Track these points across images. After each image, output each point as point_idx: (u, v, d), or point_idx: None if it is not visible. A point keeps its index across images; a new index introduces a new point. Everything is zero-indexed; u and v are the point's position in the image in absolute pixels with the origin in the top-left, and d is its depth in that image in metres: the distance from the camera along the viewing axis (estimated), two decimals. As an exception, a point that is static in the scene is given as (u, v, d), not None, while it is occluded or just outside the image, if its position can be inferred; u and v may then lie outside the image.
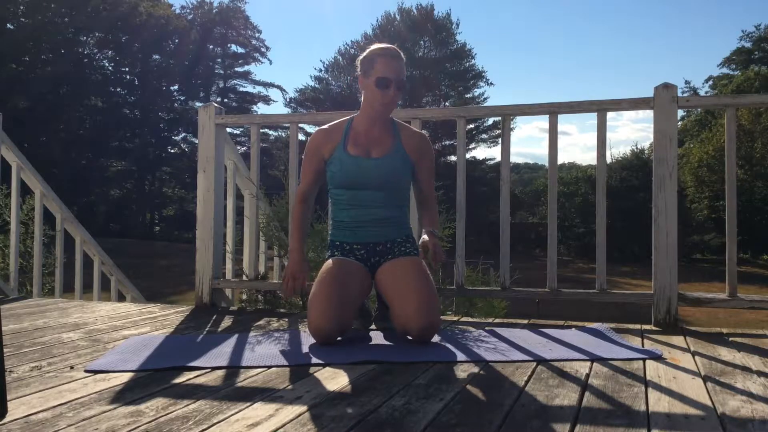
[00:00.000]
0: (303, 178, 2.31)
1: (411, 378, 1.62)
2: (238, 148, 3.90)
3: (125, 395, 1.47)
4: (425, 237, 2.12)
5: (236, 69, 39.56)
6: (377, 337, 2.18)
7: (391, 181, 2.25)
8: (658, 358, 1.86)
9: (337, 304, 2.02)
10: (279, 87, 48.03)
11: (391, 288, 2.13)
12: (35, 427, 1.25)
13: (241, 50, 39.62)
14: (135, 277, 4.96)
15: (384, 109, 2.22)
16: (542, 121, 34.43)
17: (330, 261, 2.20)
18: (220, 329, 2.40)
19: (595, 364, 1.79)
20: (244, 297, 3.31)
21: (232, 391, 1.52)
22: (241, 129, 26.81)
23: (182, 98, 37.15)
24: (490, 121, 33.53)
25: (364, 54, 2.23)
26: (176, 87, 36.82)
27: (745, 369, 1.75)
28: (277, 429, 1.23)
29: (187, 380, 1.62)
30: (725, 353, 1.95)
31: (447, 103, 35.73)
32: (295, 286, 2.13)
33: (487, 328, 2.36)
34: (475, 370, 1.72)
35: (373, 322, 2.40)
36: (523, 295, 2.71)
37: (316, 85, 37.66)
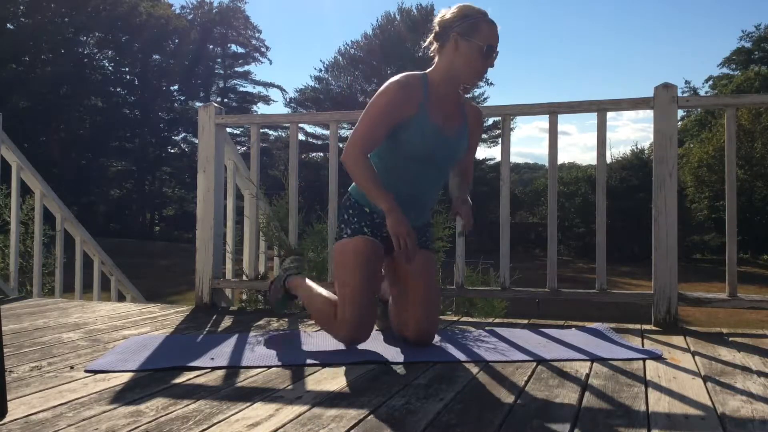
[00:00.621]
0: (369, 135, 1.94)
1: (411, 378, 1.62)
2: (238, 148, 3.91)
3: (125, 395, 1.47)
4: (459, 204, 2.00)
5: (236, 69, 39.56)
6: (377, 337, 2.18)
7: (455, 161, 2.10)
8: (658, 358, 1.86)
9: (372, 311, 1.98)
10: (279, 87, 48.11)
11: (400, 285, 2.05)
12: (35, 427, 1.25)
13: (241, 50, 39.64)
14: (135, 277, 4.96)
15: (477, 79, 2.02)
16: (542, 121, 34.44)
17: (360, 242, 1.99)
18: (220, 329, 2.40)
19: (595, 364, 1.79)
20: (244, 297, 3.31)
21: (232, 391, 1.52)
22: (241, 129, 26.80)
23: (182, 98, 37.17)
24: (490, 121, 33.49)
25: (459, 12, 1.97)
26: (176, 87, 36.83)
27: (745, 369, 1.75)
28: (277, 429, 1.24)
29: (187, 380, 1.62)
30: (725, 353, 1.95)
31: (447, 103, 35.62)
32: (413, 244, 1.87)
33: (487, 328, 2.36)
34: (475, 370, 1.72)
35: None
36: (523, 295, 2.71)
37: (316, 85, 37.67)
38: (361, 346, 2.02)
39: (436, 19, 2.03)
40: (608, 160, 2.90)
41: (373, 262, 1.99)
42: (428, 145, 1.98)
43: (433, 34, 2.03)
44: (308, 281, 2.22)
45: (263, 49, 39.90)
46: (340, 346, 2.03)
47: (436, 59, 2.03)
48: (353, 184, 2.08)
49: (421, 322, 2.00)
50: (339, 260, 2.02)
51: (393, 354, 1.91)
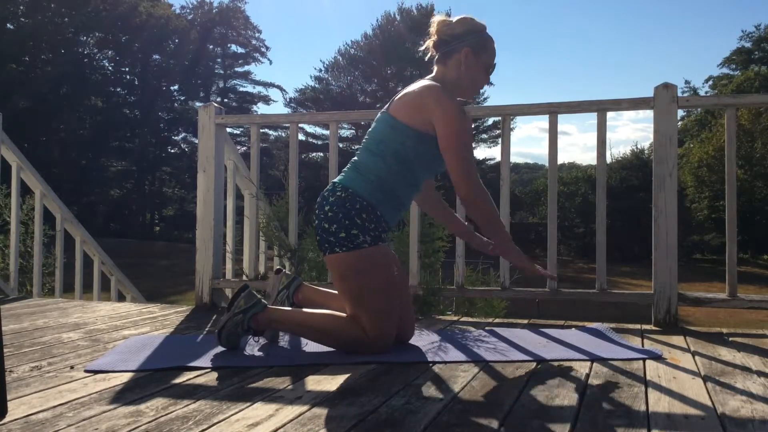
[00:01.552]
0: (474, 161, 1.94)
1: (411, 378, 1.62)
2: (238, 148, 3.90)
3: (125, 395, 1.47)
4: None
5: (236, 69, 39.57)
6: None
7: None
8: (658, 358, 1.86)
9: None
10: (279, 87, 48.14)
11: None
12: (35, 427, 1.25)
13: (241, 50, 39.65)
14: (135, 277, 4.96)
15: (474, 96, 2.06)
16: (542, 121, 34.42)
17: (386, 252, 1.91)
18: (220, 329, 2.39)
19: (595, 364, 1.79)
20: (244, 297, 3.31)
21: (232, 391, 1.52)
22: (241, 129, 26.82)
23: (182, 98, 37.18)
24: (490, 121, 33.56)
25: (469, 26, 1.95)
26: (176, 87, 36.84)
27: (745, 369, 1.75)
28: (277, 429, 1.23)
29: (187, 380, 1.62)
30: (725, 353, 1.95)
31: (447, 103, 35.65)
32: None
33: (487, 328, 2.36)
34: (475, 370, 1.72)
35: None
36: (523, 295, 2.71)
37: (316, 85, 37.66)
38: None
39: (439, 27, 1.98)
40: (608, 160, 2.90)
41: (396, 284, 1.93)
42: None
43: (433, 41, 1.99)
44: (285, 309, 2.01)
45: (263, 49, 39.96)
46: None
47: (437, 68, 2.00)
48: (347, 177, 1.94)
49: (410, 320, 2.04)
50: (363, 271, 1.86)
51: (393, 354, 1.91)
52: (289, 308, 2.03)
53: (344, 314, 1.94)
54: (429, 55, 2.03)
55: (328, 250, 1.89)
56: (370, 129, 2.03)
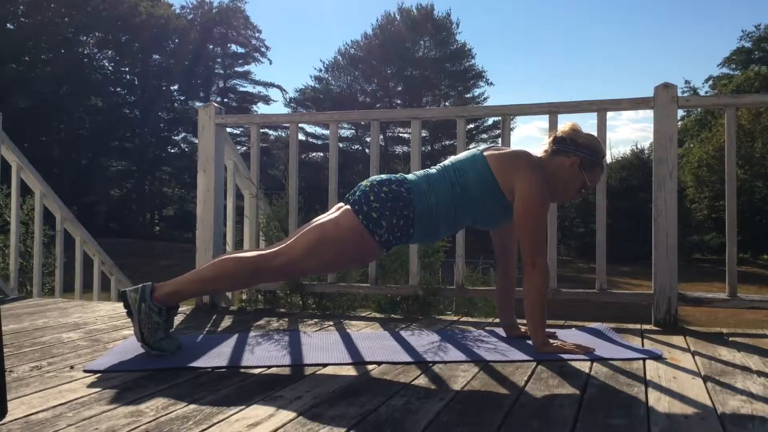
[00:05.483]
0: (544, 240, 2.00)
1: (411, 378, 1.62)
2: (238, 148, 3.90)
3: (125, 395, 1.47)
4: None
5: (236, 69, 39.54)
6: (377, 337, 2.18)
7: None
8: (658, 358, 1.87)
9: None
10: (279, 87, 47.88)
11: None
12: (35, 427, 1.25)
13: (241, 50, 39.60)
14: (135, 277, 4.96)
15: (559, 202, 2.21)
16: (542, 121, 34.43)
17: (377, 253, 1.96)
18: (220, 329, 2.40)
19: (595, 364, 1.79)
20: (244, 297, 3.31)
21: (232, 391, 1.52)
22: (241, 129, 26.80)
23: (182, 98, 37.13)
24: (490, 121, 33.58)
25: (591, 142, 2.02)
26: (176, 87, 36.80)
27: (745, 369, 1.75)
28: (277, 429, 1.24)
29: (187, 380, 1.62)
30: (725, 353, 1.95)
31: (447, 103, 35.75)
32: (569, 345, 1.96)
33: (487, 328, 2.36)
34: (475, 370, 1.72)
35: None
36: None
37: (316, 85, 37.69)
38: (361, 346, 2.02)
39: (568, 128, 2.05)
40: (608, 160, 2.89)
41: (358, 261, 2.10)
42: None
43: (555, 136, 2.05)
44: (174, 279, 1.93)
45: (263, 49, 39.89)
46: (340, 345, 2.03)
47: (546, 155, 2.04)
48: (418, 185, 1.94)
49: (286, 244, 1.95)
50: (347, 239, 1.88)
51: (393, 354, 1.91)
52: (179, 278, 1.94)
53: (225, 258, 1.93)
54: (545, 142, 2.07)
55: (356, 206, 1.90)
56: (458, 157, 2.05)
